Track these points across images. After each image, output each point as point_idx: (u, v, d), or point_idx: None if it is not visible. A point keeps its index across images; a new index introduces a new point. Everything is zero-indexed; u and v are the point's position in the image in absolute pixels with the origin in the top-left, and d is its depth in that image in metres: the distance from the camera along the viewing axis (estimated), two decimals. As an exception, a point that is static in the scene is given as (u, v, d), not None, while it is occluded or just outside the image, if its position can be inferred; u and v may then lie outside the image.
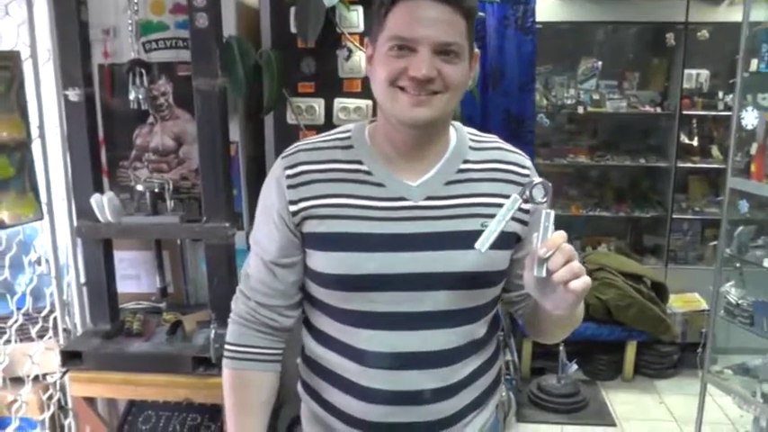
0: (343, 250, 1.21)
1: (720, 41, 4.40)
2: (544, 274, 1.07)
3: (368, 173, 1.24)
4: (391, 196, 1.23)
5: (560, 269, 1.05)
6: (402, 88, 1.16)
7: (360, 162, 1.25)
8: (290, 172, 1.25)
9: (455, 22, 1.14)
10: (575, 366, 3.87)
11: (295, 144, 1.31)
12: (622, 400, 3.99)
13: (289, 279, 1.29)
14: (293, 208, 1.24)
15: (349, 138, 1.29)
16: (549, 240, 1.07)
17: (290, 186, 1.24)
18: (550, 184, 1.14)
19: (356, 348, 1.24)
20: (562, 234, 1.08)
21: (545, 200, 1.13)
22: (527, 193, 1.13)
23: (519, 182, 1.28)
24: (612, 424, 3.75)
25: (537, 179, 1.15)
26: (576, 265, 1.06)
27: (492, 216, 1.13)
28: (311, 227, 1.24)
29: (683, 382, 4.20)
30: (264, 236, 1.29)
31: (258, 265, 1.31)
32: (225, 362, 1.35)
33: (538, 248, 1.07)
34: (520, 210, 1.14)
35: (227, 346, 1.35)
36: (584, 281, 1.06)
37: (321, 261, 1.24)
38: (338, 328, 1.26)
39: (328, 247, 1.22)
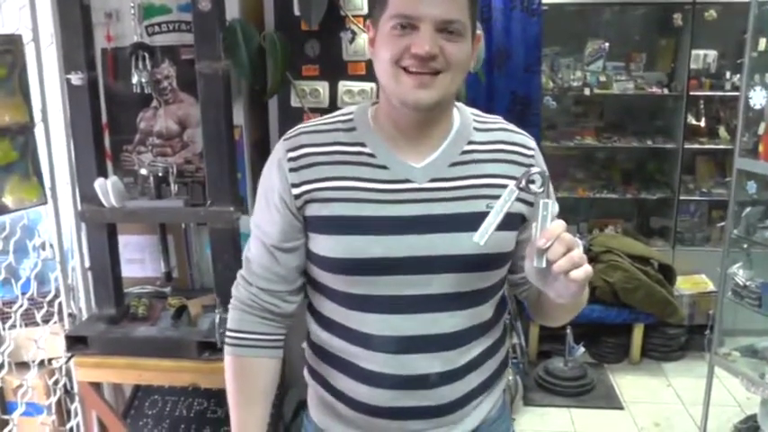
0: (347, 234, 1.20)
1: (728, 21, 4.33)
2: (544, 264, 1.06)
3: (371, 155, 1.23)
4: (395, 178, 1.21)
5: (560, 259, 1.04)
6: (405, 69, 1.14)
7: (363, 144, 1.24)
8: (292, 154, 1.24)
9: None
10: (582, 349, 3.87)
11: (297, 126, 1.29)
12: (630, 383, 3.99)
13: (291, 264, 1.28)
14: (296, 191, 1.22)
15: (351, 120, 1.27)
16: (548, 230, 1.06)
17: (292, 169, 1.23)
18: (548, 174, 1.13)
19: (361, 333, 1.23)
20: (561, 223, 1.07)
21: (542, 189, 1.11)
22: (524, 182, 1.11)
23: (524, 163, 1.27)
24: (620, 407, 3.74)
25: (534, 169, 1.14)
26: (576, 254, 1.05)
27: (498, 197, 1.12)
28: (314, 210, 1.22)
29: (690, 364, 4.19)
30: (266, 220, 1.27)
31: (259, 249, 1.29)
32: (226, 348, 1.33)
33: (537, 239, 1.06)
34: (526, 189, 1.12)
35: (228, 333, 1.33)
36: (585, 270, 1.06)
37: (325, 245, 1.22)
38: (343, 313, 1.25)
39: (332, 230, 1.21)
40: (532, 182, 1.11)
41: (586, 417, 3.66)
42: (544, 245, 1.05)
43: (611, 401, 3.80)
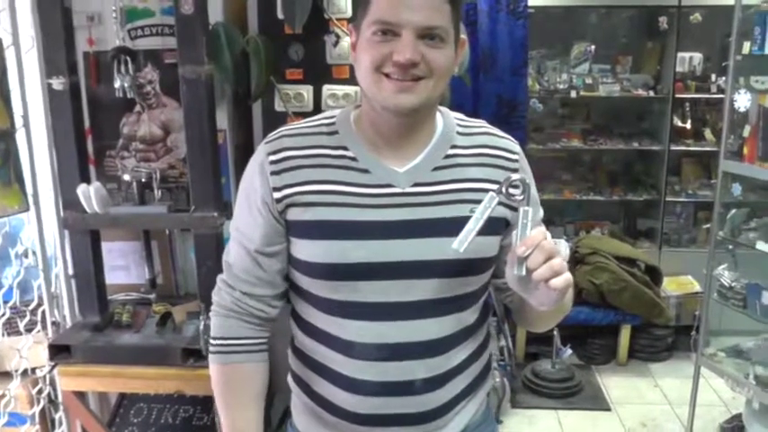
0: (329, 238, 1.19)
1: (713, 24, 4.38)
2: (524, 272, 1.06)
3: (353, 159, 1.22)
4: (378, 183, 1.21)
5: (540, 267, 1.04)
6: (387, 75, 1.13)
7: (345, 148, 1.23)
8: (273, 158, 1.23)
9: (440, 6, 1.13)
10: (569, 351, 3.87)
11: (278, 129, 1.28)
12: (617, 384, 4.01)
13: (274, 268, 1.27)
14: (277, 195, 1.21)
15: (334, 123, 1.26)
16: (528, 238, 1.06)
17: (273, 173, 1.22)
18: (529, 181, 1.13)
19: (344, 340, 1.22)
20: (541, 231, 1.07)
21: (522, 197, 1.10)
22: (504, 189, 1.11)
23: (508, 167, 1.26)
24: (607, 408, 3.76)
25: (515, 175, 1.14)
26: (555, 262, 1.05)
27: (481, 202, 1.11)
28: (296, 214, 1.21)
29: (677, 365, 4.21)
30: (247, 223, 1.26)
31: (241, 253, 1.27)
32: (213, 357, 1.31)
33: (516, 247, 1.06)
34: (506, 196, 1.11)
35: (212, 341, 1.31)
36: (565, 278, 1.05)
37: (306, 249, 1.21)
38: (325, 320, 1.24)
39: (314, 235, 1.20)
40: (516, 186, 1.11)
41: (574, 418, 3.66)
42: (524, 253, 1.05)
43: (598, 403, 3.81)
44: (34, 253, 2.31)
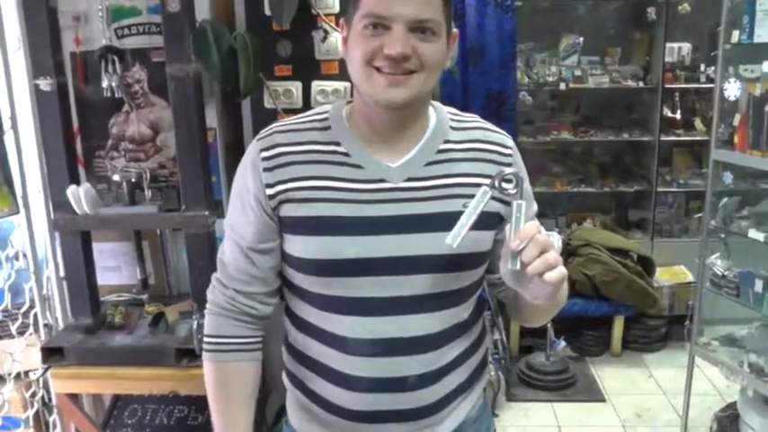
0: (322, 234, 1.18)
1: (702, 14, 4.38)
2: (518, 266, 1.05)
3: (346, 154, 1.21)
4: (371, 178, 1.20)
5: (534, 261, 1.03)
6: (378, 69, 1.12)
7: (337, 143, 1.22)
8: (266, 154, 1.22)
9: None
10: (563, 343, 3.88)
11: (270, 126, 1.27)
12: (611, 375, 4.01)
13: (267, 265, 1.26)
14: (270, 191, 1.20)
15: (326, 119, 1.25)
16: (522, 232, 1.05)
17: (266, 169, 1.21)
18: (522, 175, 1.12)
19: (337, 336, 1.22)
20: (535, 224, 1.06)
21: (516, 191, 1.10)
22: (497, 183, 1.10)
23: (501, 162, 1.26)
24: (602, 399, 3.76)
25: (508, 169, 1.13)
26: (550, 255, 1.04)
27: (474, 197, 1.10)
28: (289, 210, 1.20)
29: (671, 354, 4.22)
30: (240, 221, 1.25)
31: (234, 251, 1.27)
32: (206, 355, 1.31)
33: (510, 241, 1.05)
34: (499, 190, 1.11)
35: (206, 339, 1.31)
36: (560, 272, 1.05)
37: (300, 246, 1.20)
38: (319, 315, 1.24)
39: (307, 231, 1.19)
40: (509, 181, 1.10)
41: (569, 410, 3.67)
42: (518, 247, 1.04)
43: (593, 394, 3.82)
44: (25, 255, 2.30)
